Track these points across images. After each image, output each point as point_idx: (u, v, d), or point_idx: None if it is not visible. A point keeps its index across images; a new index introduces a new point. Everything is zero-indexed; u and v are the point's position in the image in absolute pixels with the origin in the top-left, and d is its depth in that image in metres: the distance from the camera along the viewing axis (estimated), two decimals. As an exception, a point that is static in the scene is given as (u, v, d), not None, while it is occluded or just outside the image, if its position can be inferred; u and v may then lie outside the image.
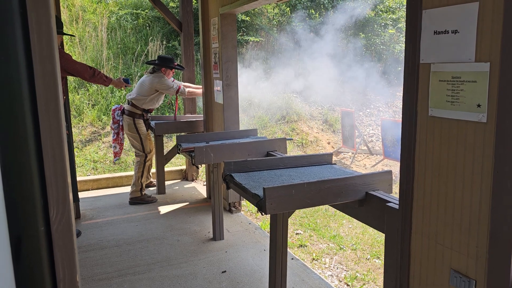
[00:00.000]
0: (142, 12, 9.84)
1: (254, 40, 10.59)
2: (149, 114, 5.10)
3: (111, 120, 5.02)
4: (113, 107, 5.04)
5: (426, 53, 1.70)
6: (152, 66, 5.02)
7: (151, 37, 9.30)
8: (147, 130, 5.06)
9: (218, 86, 4.55)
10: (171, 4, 9.76)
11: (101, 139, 7.44)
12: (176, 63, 5.04)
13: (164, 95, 5.05)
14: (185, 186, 5.75)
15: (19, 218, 0.70)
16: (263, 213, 2.14)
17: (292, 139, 8.00)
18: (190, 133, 5.10)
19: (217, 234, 3.87)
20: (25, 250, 0.71)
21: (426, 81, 1.71)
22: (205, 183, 5.71)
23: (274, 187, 2.08)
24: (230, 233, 4.02)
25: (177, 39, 9.47)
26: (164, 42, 9.36)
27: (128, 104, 4.93)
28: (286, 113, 9.53)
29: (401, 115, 1.86)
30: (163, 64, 4.92)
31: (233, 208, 4.65)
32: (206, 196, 5.22)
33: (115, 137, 5.02)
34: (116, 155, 5.09)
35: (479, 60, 1.50)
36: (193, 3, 5.94)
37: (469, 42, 1.53)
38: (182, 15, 5.69)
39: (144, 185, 5.02)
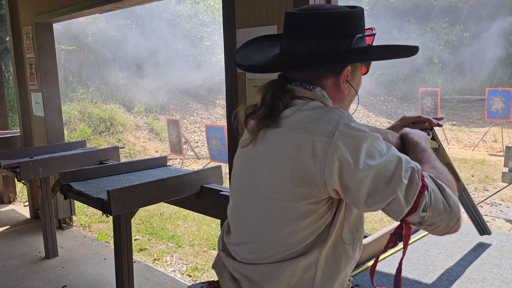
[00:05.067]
0: None
1: (67, 49, 10.04)
2: None
3: None
4: None
5: (241, 64, 2.10)
6: None
7: None
8: None
9: (37, 99, 4.31)
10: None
11: None
12: None
13: None
14: (2, 209, 5.19)
15: None
16: (108, 215, 2.25)
17: (124, 147, 7.90)
18: (7, 150, 4.66)
19: (50, 251, 3.69)
20: None
21: (243, 87, 2.11)
22: (26, 204, 5.26)
23: (118, 189, 2.22)
24: (65, 249, 3.87)
25: (-27, 47, 8.33)
26: (-43, 50, 8.13)
27: None
28: (110, 125, 9.32)
29: (221, 121, 2.22)
30: None
31: (64, 225, 4.44)
32: (29, 217, 4.83)
33: None
34: None
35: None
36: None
37: (271, 56, 1.97)
38: (-16, 22, 5.14)
39: None
